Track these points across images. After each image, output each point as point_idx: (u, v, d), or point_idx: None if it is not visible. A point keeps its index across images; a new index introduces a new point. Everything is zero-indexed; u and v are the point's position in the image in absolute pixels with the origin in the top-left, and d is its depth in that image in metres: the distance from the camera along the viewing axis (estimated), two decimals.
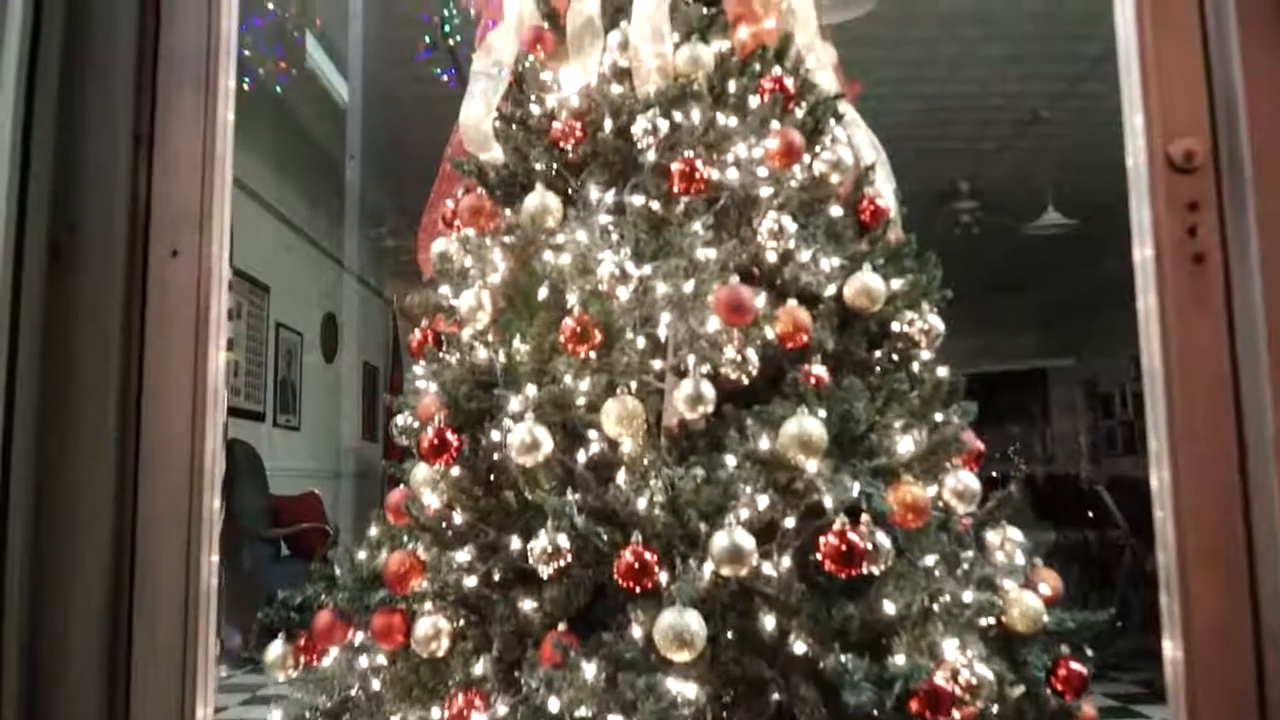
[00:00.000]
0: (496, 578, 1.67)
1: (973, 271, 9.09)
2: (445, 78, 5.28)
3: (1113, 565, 5.60)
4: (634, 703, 1.41)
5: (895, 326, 1.84)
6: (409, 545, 1.73)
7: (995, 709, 1.52)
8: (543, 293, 1.81)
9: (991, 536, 1.80)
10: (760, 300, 1.69)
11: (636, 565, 1.47)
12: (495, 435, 1.70)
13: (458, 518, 1.71)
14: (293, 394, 7.07)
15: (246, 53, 4.90)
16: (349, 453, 8.05)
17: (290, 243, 6.94)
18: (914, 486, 1.57)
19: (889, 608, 1.52)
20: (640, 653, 1.48)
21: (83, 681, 1.29)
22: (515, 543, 1.64)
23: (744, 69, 1.94)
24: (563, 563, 1.53)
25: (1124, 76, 1.40)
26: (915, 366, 1.85)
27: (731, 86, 1.91)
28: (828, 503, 1.52)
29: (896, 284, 1.86)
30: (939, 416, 1.79)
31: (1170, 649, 1.38)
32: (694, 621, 1.41)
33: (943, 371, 1.85)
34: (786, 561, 1.53)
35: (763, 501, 1.53)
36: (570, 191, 1.87)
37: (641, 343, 1.71)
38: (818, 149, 1.90)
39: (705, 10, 1.98)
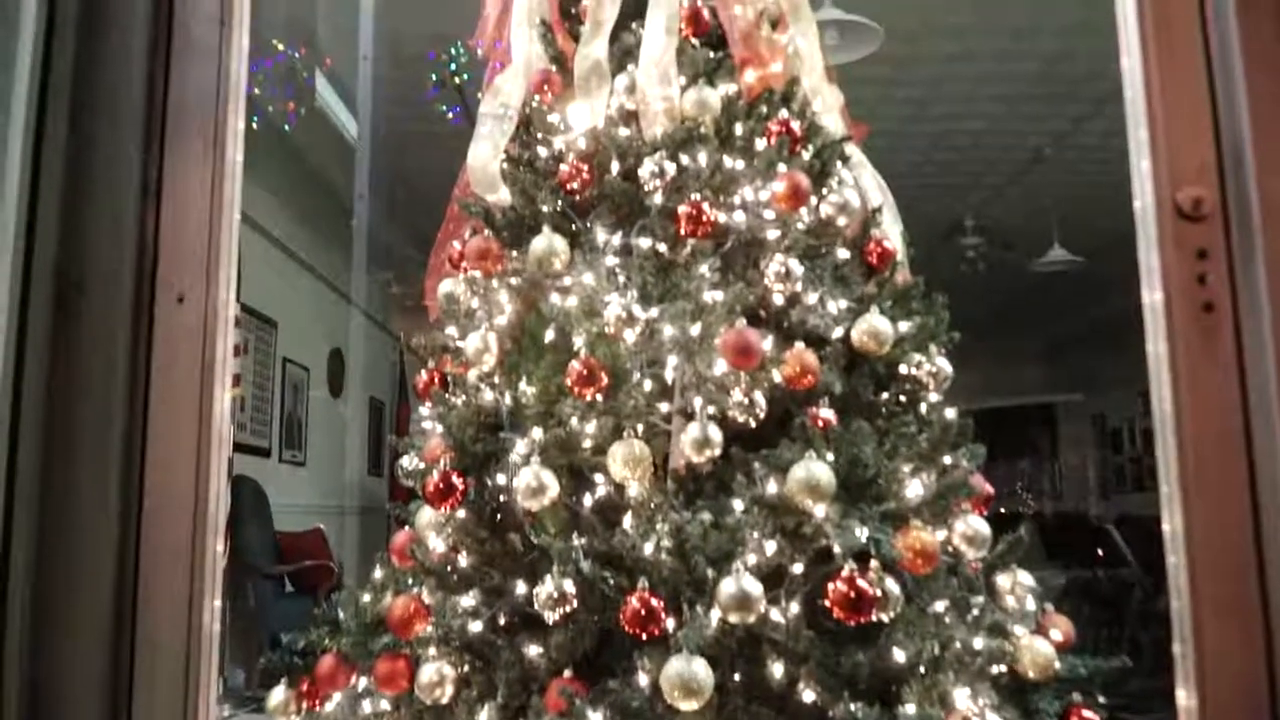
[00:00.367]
0: (502, 623, 1.66)
1: (979, 307, 9.09)
2: (450, 115, 5.33)
3: (1123, 604, 5.55)
4: None
5: (903, 369, 1.84)
6: (413, 589, 1.72)
7: None
8: (549, 335, 1.81)
9: (1002, 580, 1.78)
10: (767, 343, 1.68)
11: (643, 612, 1.45)
12: (501, 478, 1.69)
13: (463, 561, 1.70)
14: (299, 429, 7.06)
15: (256, 91, 4.96)
16: (354, 488, 8.02)
17: (298, 278, 6.97)
18: (923, 531, 1.56)
19: (899, 655, 1.50)
20: (647, 701, 1.46)
21: None
22: (521, 587, 1.63)
23: (750, 112, 1.95)
24: (569, 608, 1.52)
25: (1130, 123, 1.40)
26: (923, 409, 1.84)
27: (738, 130, 1.92)
28: (836, 548, 1.50)
29: (904, 326, 1.86)
30: (948, 459, 1.77)
31: (1184, 697, 1.36)
32: (701, 669, 1.40)
33: (951, 413, 1.84)
34: (795, 608, 1.52)
35: (770, 547, 1.52)
36: (577, 234, 1.88)
37: (648, 385, 1.71)
38: (825, 191, 1.90)
39: (712, 54, 1.99)
